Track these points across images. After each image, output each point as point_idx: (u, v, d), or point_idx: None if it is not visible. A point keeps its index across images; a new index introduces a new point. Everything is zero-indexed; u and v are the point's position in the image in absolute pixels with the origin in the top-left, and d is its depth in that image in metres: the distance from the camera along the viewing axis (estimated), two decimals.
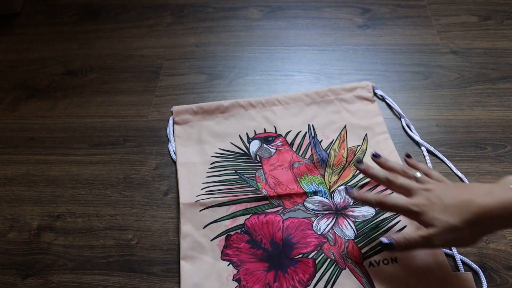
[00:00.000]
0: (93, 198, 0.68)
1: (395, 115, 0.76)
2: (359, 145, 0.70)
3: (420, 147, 0.71)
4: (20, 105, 0.81)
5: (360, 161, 0.59)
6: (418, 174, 0.55)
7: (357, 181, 0.66)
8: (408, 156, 0.60)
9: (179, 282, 0.59)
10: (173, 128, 0.75)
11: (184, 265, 0.59)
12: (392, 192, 0.57)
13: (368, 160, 0.62)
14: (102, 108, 0.80)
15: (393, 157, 0.68)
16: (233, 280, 0.58)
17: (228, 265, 0.59)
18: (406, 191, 0.54)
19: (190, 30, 0.92)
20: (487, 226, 0.48)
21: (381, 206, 0.55)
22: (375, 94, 0.77)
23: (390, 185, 0.56)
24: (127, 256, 0.62)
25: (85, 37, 0.92)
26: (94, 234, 0.64)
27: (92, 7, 0.98)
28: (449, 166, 0.69)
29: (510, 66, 0.82)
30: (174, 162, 0.71)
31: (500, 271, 0.58)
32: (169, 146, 0.73)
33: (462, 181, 0.67)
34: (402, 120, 0.74)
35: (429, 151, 0.70)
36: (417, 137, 0.71)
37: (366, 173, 0.58)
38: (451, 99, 0.78)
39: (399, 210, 0.53)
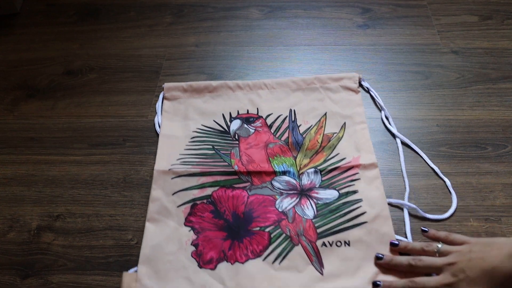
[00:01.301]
0: (93, 198, 0.68)
1: (377, 106, 0.77)
2: (336, 132, 0.73)
3: (395, 139, 0.72)
4: (20, 105, 0.81)
5: (380, 257, 0.58)
6: (439, 246, 0.55)
7: (328, 165, 0.69)
8: (424, 230, 0.60)
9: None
10: (162, 103, 0.78)
11: (149, 226, 0.63)
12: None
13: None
14: (102, 108, 0.79)
15: (367, 147, 0.70)
16: (191, 244, 0.62)
17: (190, 231, 0.63)
18: (433, 271, 0.54)
19: (190, 30, 0.92)
20: None
21: None
22: (361, 85, 0.79)
23: (414, 269, 0.55)
24: (127, 256, 0.62)
25: (85, 37, 0.92)
26: (93, 234, 0.64)
27: (92, 7, 0.98)
28: (424, 159, 0.70)
29: (511, 66, 0.82)
30: (158, 135, 0.73)
31: None
32: (155, 119, 0.76)
33: (438, 176, 0.67)
34: (382, 112, 0.76)
35: (403, 143, 0.72)
36: (394, 130, 0.73)
37: (390, 266, 0.58)
38: (452, 99, 0.77)
39: None
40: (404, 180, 0.68)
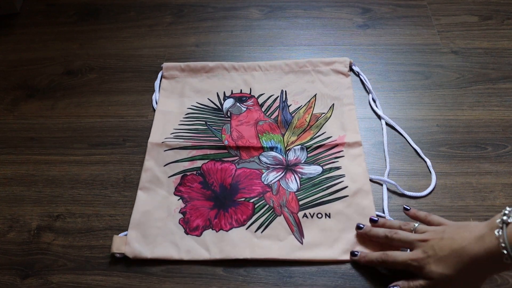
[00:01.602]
0: (93, 198, 0.68)
1: (366, 90, 0.80)
2: (324, 113, 0.76)
3: (380, 120, 0.75)
4: (20, 105, 0.81)
5: (360, 227, 0.62)
6: (416, 224, 0.58)
7: (314, 143, 0.72)
8: (405, 209, 0.62)
9: (179, 283, 0.59)
10: (160, 81, 0.82)
11: (140, 194, 0.67)
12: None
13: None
14: (102, 108, 0.79)
15: (353, 126, 0.73)
16: (179, 212, 0.65)
17: (178, 199, 0.67)
18: (406, 245, 0.56)
19: (190, 30, 0.92)
20: (479, 273, 0.50)
21: (383, 263, 0.57)
22: (352, 69, 0.82)
23: (389, 241, 0.58)
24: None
25: (85, 37, 0.92)
26: (93, 234, 0.64)
27: (92, 7, 0.98)
28: (407, 140, 0.72)
29: (511, 66, 0.82)
30: (154, 110, 0.77)
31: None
32: (153, 96, 0.79)
33: (418, 154, 0.70)
34: (370, 95, 0.78)
35: (388, 124, 0.74)
36: (380, 112, 0.75)
37: (368, 235, 0.60)
38: (452, 99, 0.77)
39: (400, 265, 0.55)
40: (385, 159, 0.69)
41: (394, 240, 0.57)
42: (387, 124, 0.74)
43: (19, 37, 0.93)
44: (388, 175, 0.68)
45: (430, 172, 0.68)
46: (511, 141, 0.72)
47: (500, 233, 0.46)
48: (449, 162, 0.70)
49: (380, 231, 0.59)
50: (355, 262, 0.60)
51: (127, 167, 0.71)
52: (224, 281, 0.59)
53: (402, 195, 0.66)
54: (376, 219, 0.62)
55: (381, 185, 0.67)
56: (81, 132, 0.76)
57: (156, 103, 0.78)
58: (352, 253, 0.60)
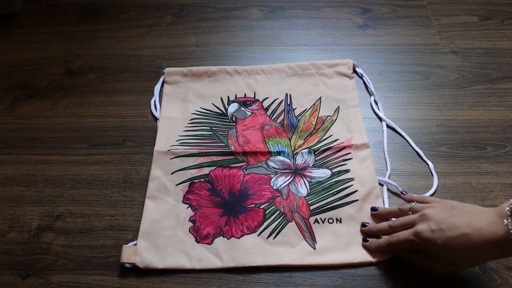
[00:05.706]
0: (93, 198, 0.68)
1: (368, 91, 0.80)
2: (330, 115, 0.75)
3: (381, 122, 0.75)
4: (20, 105, 0.81)
5: (365, 225, 0.63)
6: (412, 204, 0.59)
7: (321, 146, 0.72)
8: (402, 193, 0.65)
9: (179, 283, 0.59)
10: (161, 86, 0.81)
11: (148, 203, 0.66)
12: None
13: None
14: (102, 108, 0.79)
15: (360, 128, 0.73)
16: (189, 220, 0.65)
17: (187, 208, 0.66)
18: (409, 227, 0.56)
19: (190, 30, 0.92)
20: (484, 257, 0.52)
21: (391, 246, 0.58)
22: (355, 71, 0.82)
23: (393, 230, 0.58)
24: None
25: (85, 37, 0.92)
26: (94, 234, 0.64)
27: (91, 7, 0.98)
28: (408, 142, 0.72)
29: (510, 66, 0.82)
30: (154, 117, 0.77)
31: (501, 271, 0.59)
32: (152, 100, 0.79)
33: (419, 155, 0.70)
34: (372, 97, 0.78)
35: (389, 126, 0.74)
36: (381, 114, 0.75)
37: (373, 232, 0.61)
38: (451, 99, 0.78)
39: (404, 243, 0.55)
40: (386, 161, 0.70)
41: (396, 227, 0.58)
42: (387, 125, 0.74)
43: (19, 37, 0.93)
44: (389, 176, 0.68)
45: (432, 174, 0.68)
46: (511, 141, 0.72)
47: (509, 221, 0.48)
48: (449, 162, 0.70)
49: (384, 224, 0.60)
50: (366, 247, 0.61)
51: (127, 167, 0.71)
52: (224, 281, 0.60)
53: None
54: (377, 207, 0.64)
55: (382, 185, 0.67)
56: (81, 132, 0.76)
57: (156, 108, 0.78)
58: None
